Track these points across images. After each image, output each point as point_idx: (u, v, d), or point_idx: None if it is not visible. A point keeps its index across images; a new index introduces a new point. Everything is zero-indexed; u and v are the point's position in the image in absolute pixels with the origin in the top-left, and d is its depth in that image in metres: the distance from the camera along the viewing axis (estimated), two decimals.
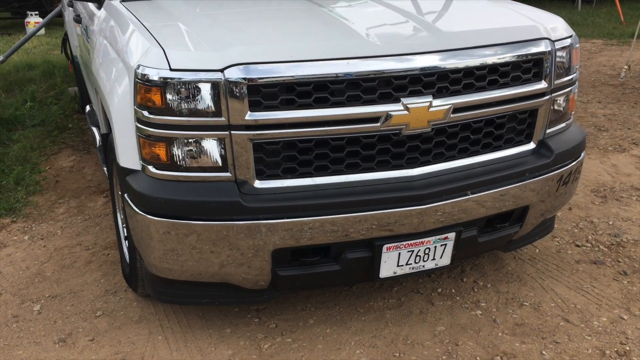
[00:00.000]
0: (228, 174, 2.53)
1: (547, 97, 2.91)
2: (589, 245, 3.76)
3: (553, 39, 2.89)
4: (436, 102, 2.61)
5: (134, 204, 2.62)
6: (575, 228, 4.00)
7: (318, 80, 2.46)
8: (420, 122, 2.59)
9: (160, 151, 2.53)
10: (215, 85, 2.41)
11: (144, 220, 2.58)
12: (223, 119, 2.44)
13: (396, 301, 3.23)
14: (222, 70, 2.41)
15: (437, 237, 2.76)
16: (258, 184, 2.56)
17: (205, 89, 2.42)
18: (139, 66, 2.50)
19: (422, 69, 2.56)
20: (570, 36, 3.03)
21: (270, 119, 2.47)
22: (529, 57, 2.80)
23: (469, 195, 2.75)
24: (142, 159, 2.59)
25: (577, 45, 3.08)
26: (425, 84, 2.58)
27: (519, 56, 2.77)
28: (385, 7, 3.11)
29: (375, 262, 2.71)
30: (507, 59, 2.75)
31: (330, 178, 2.63)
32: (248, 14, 3.14)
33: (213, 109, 2.44)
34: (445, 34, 2.70)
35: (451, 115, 2.65)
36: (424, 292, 3.30)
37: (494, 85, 2.74)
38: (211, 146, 2.50)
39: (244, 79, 2.40)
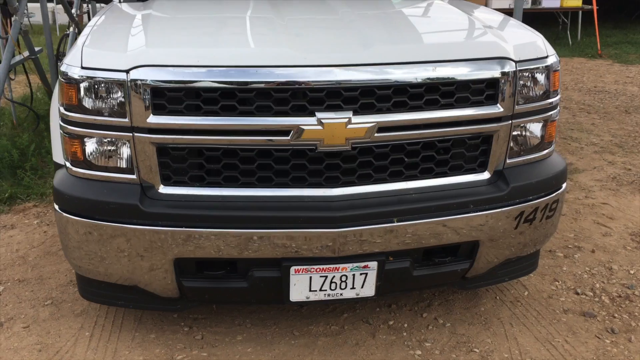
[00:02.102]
0: (133, 177, 2.62)
1: (504, 123, 2.73)
2: (591, 294, 3.47)
3: (516, 58, 2.71)
4: (357, 119, 2.53)
5: (54, 199, 2.77)
6: (587, 273, 3.69)
7: (224, 87, 2.48)
8: (336, 139, 2.54)
9: (76, 148, 2.67)
10: (120, 86, 2.50)
11: (59, 216, 2.73)
12: (127, 120, 2.53)
13: (339, 328, 3.17)
14: (127, 71, 2.50)
15: (355, 264, 2.69)
16: (163, 189, 2.63)
17: (111, 89, 2.53)
18: (63, 64, 2.65)
19: (340, 82, 2.51)
20: (546, 57, 2.81)
21: (174, 123, 2.52)
22: (480, 77, 2.65)
23: (394, 222, 2.64)
24: (64, 155, 2.74)
25: (557, 68, 2.85)
26: (346, 98, 2.53)
27: (465, 75, 2.64)
28: (336, 18, 3.05)
29: (284, 283, 2.68)
30: (450, 78, 2.61)
31: (240, 190, 2.65)
32: (206, 19, 3.20)
33: (117, 109, 2.54)
34: (377, 47, 2.62)
35: (376, 135, 2.57)
36: (373, 323, 3.21)
37: (432, 105, 2.62)
38: (117, 147, 2.60)
39: (147, 81, 2.48)
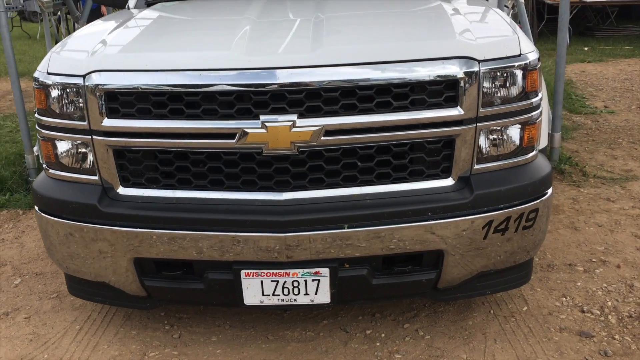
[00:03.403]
0: (95, 178, 2.75)
1: (467, 126, 2.62)
2: (598, 313, 3.25)
3: (480, 58, 2.59)
4: (303, 122, 2.53)
5: (33, 199, 2.96)
6: (602, 290, 3.46)
7: (171, 91, 2.55)
8: (281, 142, 2.55)
9: (48, 150, 2.85)
10: (78, 90, 2.65)
11: (37, 215, 2.91)
12: (85, 123, 2.66)
13: (313, 335, 3.16)
14: (84, 76, 2.63)
15: (306, 270, 2.68)
16: (122, 190, 2.75)
17: (70, 93, 2.68)
18: (37, 70, 2.83)
19: (283, 85, 2.51)
20: (518, 55, 2.66)
21: (127, 126, 2.64)
22: (436, 78, 2.56)
23: (345, 229, 2.61)
24: (42, 157, 2.92)
25: (535, 67, 2.70)
26: (290, 101, 2.53)
27: (419, 76, 2.55)
28: (307, 19, 3.04)
29: (236, 287, 2.72)
30: (402, 79, 2.54)
31: (193, 193, 2.71)
32: (181, 22, 3.30)
33: (78, 113, 2.68)
34: (326, 49, 2.59)
35: (323, 138, 2.55)
36: (350, 331, 3.18)
37: (384, 108, 2.56)
38: (80, 150, 2.75)
39: (101, 85, 2.61)
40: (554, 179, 5.15)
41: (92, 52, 2.73)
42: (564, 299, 3.40)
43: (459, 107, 2.59)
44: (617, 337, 3.05)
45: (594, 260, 3.80)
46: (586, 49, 11.93)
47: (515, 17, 6.05)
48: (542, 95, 2.94)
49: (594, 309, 3.29)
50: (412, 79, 2.54)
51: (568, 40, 12.41)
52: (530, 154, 2.82)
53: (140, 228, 2.68)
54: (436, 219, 2.65)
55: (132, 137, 2.65)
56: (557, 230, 4.22)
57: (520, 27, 6.18)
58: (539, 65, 2.75)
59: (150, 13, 3.57)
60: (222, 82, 2.53)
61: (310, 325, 3.25)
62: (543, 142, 2.99)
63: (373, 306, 3.38)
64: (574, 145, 6.06)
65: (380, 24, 3.03)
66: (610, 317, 3.21)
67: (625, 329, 3.11)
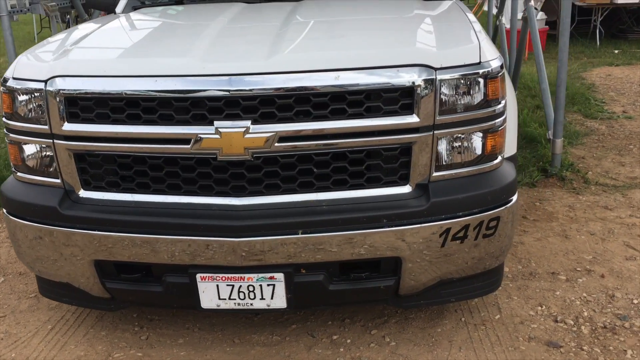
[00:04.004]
0: (58, 181, 2.83)
1: (423, 134, 2.64)
2: (571, 323, 3.23)
3: (437, 65, 2.61)
4: (257, 128, 2.58)
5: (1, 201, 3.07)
6: (580, 299, 3.44)
7: (127, 96, 2.63)
8: (235, 148, 2.60)
9: (15, 154, 2.94)
10: (40, 95, 2.74)
11: (4, 215, 3.01)
12: (46, 127, 2.75)
13: (280, 339, 3.21)
14: (46, 81, 2.72)
15: (261, 275, 2.73)
16: (83, 193, 2.83)
17: (33, 98, 2.77)
18: (4, 75, 2.94)
19: (237, 91, 2.56)
20: (478, 63, 2.67)
21: (86, 131, 2.72)
22: (391, 85, 2.58)
23: (299, 234, 2.65)
24: (10, 160, 3.02)
25: (497, 74, 2.70)
26: (244, 108, 2.58)
27: (374, 84, 2.58)
28: (275, 25, 3.08)
29: (193, 290, 2.77)
30: (357, 86, 2.57)
31: (151, 197, 2.78)
32: (150, 28, 3.38)
33: (39, 117, 2.77)
34: (281, 56, 2.64)
35: (276, 145, 2.59)
36: (317, 336, 3.22)
37: (339, 115, 2.60)
38: (43, 153, 2.84)
39: (62, 90, 2.69)
40: (554, 185, 5.12)
41: (55, 58, 2.82)
42: (540, 308, 3.38)
43: (415, 115, 2.61)
44: (585, 348, 3.03)
45: (578, 269, 3.77)
46: (616, 51, 11.72)
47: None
48: (510, 102, 2.95)
49: (568, 319, 3.27)
50: (367, 86, 2.57)
51: (598, 43, 12.26)
52: (494, 162, 2.82)
53: (99, 231, 2.75)
54: (392, 226, 2.67)
55: (92, 142, 2.72)
56: (546, 238, 4.19)
57: (530, 32, 6.15)
58: (501, 73, 2.75)
59: (128, 18, 3.66)
60: (177, 88, 2.59)
61: (278, 330, 3.29)
62: (511, 150, 2.98)
63: (344, 311, 3.41)
64: (583, 151, 5.99)
65: (345, 31, 3.05)
66: (583, 327, 3.19)
67: (596, 340, 3.09)
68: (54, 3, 6.07)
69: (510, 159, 2.98)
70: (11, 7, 5.86)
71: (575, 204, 4.73)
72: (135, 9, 4.09)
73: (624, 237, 4.15)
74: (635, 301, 3.41)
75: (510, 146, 2.98)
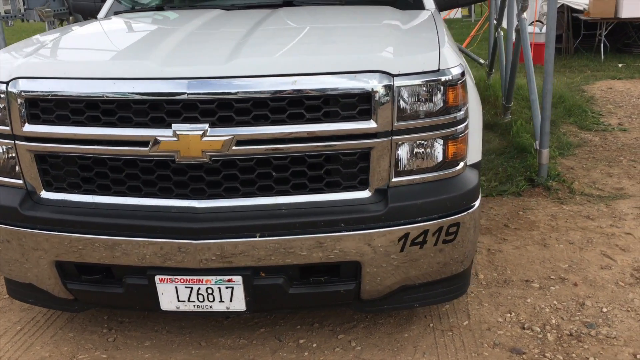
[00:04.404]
0: (20, 182, 2.85)
1: (382, 139, 2.64)
2: (537, 330, 3.20)
3: (395, 72, 2.61)
4: (214, 131, 2.59)
5: None
6: (550, 307, 3.41)
7: (88, 98, 2.65)
8: (192, 151, 2.60)
9: None
10: (1, 96, 2.75)
11: None
12: (8, 128, 2.77)
13: (246, 342, 3.21)
14: (7, 82, 2.74)
15: (219, 278, 2.73)
16: (44, 194, 2.84)
17: None
18: None
19: (194, 95, 2.57)
20: (437, 70, 2.66)
21: (47, 132, 2.73)
22: (348, 91, 2.58)
23: (256, 237, 2.65)
24: None
25: (457, 82, 2.70)
26: (202, 111, 2.59)
27: (331, 89, 2.58)
28: (241, 31, 3.08)
29: (152, 292, 2.78)
30: (314, 91, 2.57)
31: (112, 198, 2.79)
32: (120, 31, 3.41)
33: (1, 118, 2.78)
34: (239, 60, 2.64)
35: (234, 148, 2.60)
36: (284, 340, 3.21)
37: (296, 119, 2.60)
38: (4, 154, 2.85)
39: (23, 91, 2.71)
40: (540, 195, 5.09)
41: (18, 59, 2.84)
42: (509, 314, 3.36)
43: (372, 121, 2.61)
44: (548, 355, 3.00)
45: (552, 277, 3.74)
46: (620, 65, 11.67)
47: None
48: (474, 110, 2.94)
49: (536, 326, 3.24)
50: (324, 91, 2.57)
51: (602, 56, 12.21)
52: (455, 168, 2.80)
53: (59, 232, 2.76)
54: (350, 231, 2.66)
55: (52, 143, 2.73)
56: (525, 246, 4.16)
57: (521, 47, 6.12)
58: (462, 81, 2.74)
59: (104, 23, 3.69)
60: (135, 90, 2.60)
61: (246, 333, 3.29)
62: (475, 157, 2.96)
63: (314, 315, 3.40)
64: (573, 161, 5.96)
65: (309, 37, 3.05)
66: (549, 335, 3.16)
67: (560, 348, 3.06)
68: (49, 9, 6.13)
69: (475, 166, 2.96)
70: (5, 13, 5.91)
71: (558, 213, 4.69)
72: (117, 14, 4.13)
73: (602, 246, 4.12)
74: (604, 309, 3.37)
75: (475, 153, 2.96)
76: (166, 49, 2.84)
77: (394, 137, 2.66)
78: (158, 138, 2.61)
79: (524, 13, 6.15)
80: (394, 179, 2.72)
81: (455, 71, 2.72)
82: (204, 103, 2.58)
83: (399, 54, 2.70)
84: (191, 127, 2.59)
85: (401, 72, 2.62)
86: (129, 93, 2.61)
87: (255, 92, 2.57)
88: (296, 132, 2.60)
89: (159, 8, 4.15)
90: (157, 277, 2.75)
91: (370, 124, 2.61)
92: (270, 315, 3.41)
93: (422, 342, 3.15)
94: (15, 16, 6.13)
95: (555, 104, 8.18)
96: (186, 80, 2.58)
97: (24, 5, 6.38)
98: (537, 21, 12.25)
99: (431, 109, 2.68)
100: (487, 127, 7.16)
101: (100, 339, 3.28)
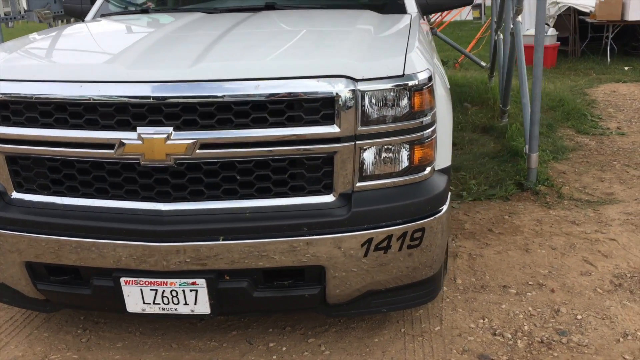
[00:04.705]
0: None
1: (345, 144, 2.63)
2: (508, 336, 3.18)
3: (359, 77, 2.60)
4: (179, 135, 2.59)
5: None
6: (524, 313, 3.39)
7: (56, 101, 2.67)
8: (157, 154, 2.61)
9: None
10: None
11: None
12: None
13: (217, 345, 3.21)
14: None
15: (183, 280, 2.74)
16: (15, 195, 2.86)
17: None
18: None
19: (158, 98, 2.58)
20: (402, 75, 2.66)
21: (17, 134, 2.75)
22: (311, 96, 2.58)
23: (220, 241, 2.66)
24: None
25: (423, 87, 2.68)
26: (167, 114, 2.60)
27: (294, 94, 2.58)
28: (216, 33, 3.09)
29: (118, 294, 2.79)
30: (276, 96, 2.58)
31: (79, 200, 2.80)
32: (101, 34, 3.43)
33: None
34: (204, 64, 2.65)
35: (198, 151, 2.61)
36: (254, 343, 3.22)
37: (260, 123, 2.60)
38: None
39: None
40: (528, 199, 5.06)
41: None
42: (482, 320, 3.34)
43: (335, 125, 2.60)
44: None
45: (530, 283, 3.72)
46: (626, 68, 11.57)
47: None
48: (443, 114, 2.93)
49: (507, 332, 3.22)
50: (287, 95, 2.57)
51: (608, 59, 12.12)
52: (421, 173, 2.80)
53: (28, 233, 2.78)
54: (313, 235, 2.66)
55: (23, 145, 2.76)
56: (507, 251, 4.14)
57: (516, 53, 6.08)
58: (429, 85, 2.73)
59: (86, 26, 3.71)
60: (101, 93, 2.62)
61: (218, 336, 3.29)
62: (444, 162, 2.95)
63: (287, 319, 3.40)
64: (566, 166, 5.92)
65: (278, 41, 3.05)
66: (519, 341, 3.14)
67: (529, 355, 3.04)
68: (48, 11, 6.18)
69: (444, 170, 2.95)
70: (5, 14, 5.97)
71: (544, 218, 4.66)
72: (104, 16, 4.16)
73: (584, 252, 4.09)
74: (579, 317, 3.35)
75: (444, 158, 2.96)
76: (136, 52, 2.85)
77: (357, 142, 2.65)
78: (123, 141, 2.62)
79: (519, 16, 6.11)
80: (359, 184, 2.71)
81: (422, 76, 2.71)
82: (168, 106, 2.59)
83: (364, 59, 2.70)
84: (155, 131, 2.60)
85: (365, 77, 2.62)
86: (95, 96, 2.62)
87: (219, 96, 2.58)
88: (259, 136, 2.61)
89: (144, 11, 4.17)
90: (122, 279, 2.76)
91: (334, 129, 2.61)
92: (243, 318, 3.41)
93: (392, 347, 3.14)
94: (15, 18, 6.19)
95: (555, 107, 8.15)
96: (151, 84, 2.60)
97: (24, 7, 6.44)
98: None
99: (396, 113, 2.67)
100: (484, 130, 7.14)
101: (74, 340, 3.30)
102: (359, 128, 2.63)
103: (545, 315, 3.38)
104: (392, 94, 2.65)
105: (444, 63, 8.33)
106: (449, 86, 3.33)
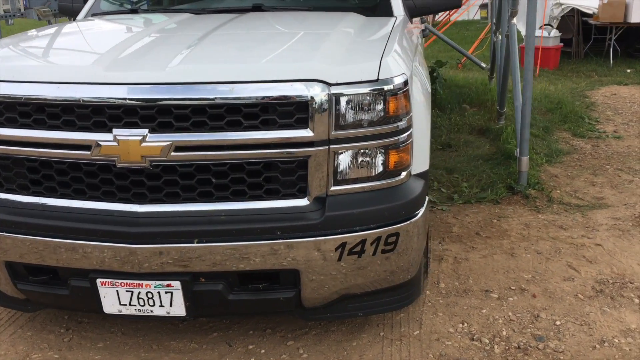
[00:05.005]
0: None
1: (319, 148, 2.64)
2: (486, 342, 3.18)
3: (333, 81, 2.61)
4: (153, 137, 2.61)
5: None
6: (504, 318, 3.39)
7: (33, 102, 2.68)
8: (132, 156, 2.63)
9: None
10: None
11: None
12: None
13: (197, 347, 3.23)
14: None
15: (159, 282, 2.75)
16: None
17: None
18: None
19: (134, 100, 2.59)
20: (376, 80, 2.66)
21: None
22: (285, 99, 2.59)
23: (194, 243, 2.66)
24: None
25: (397, 92, 2.69)
26: (143, 117, 2.61)
27: (268, 98, 2.59)
28: (198, 35, 3.10)
29: (95, 295, 2.80)
30: (250, 99, 2.59)
31: (59, 201, 2.82)
32: (89, 34, 3.45)
33: None
34: (179, 67, 2.66)
35: (173, 154, 2.62)
36: (233, 345, 3.23)
37: (234, 126, 2.61)
38: None
39: None
40: (517, 203, 5.05)
41: None
42: (461, 325, 3.34)
43: (309, 129, 2.61)
44: None
45: (513, 287, 3.71)
46: (629, 70, 11.51)
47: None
48: (420, 119, 2.93)
49: (485, 337, 3.22)
50: (261, 99, 2.58)
51: (611, 61, 12.05)
52: (396, 178, 2.80)
53: (7, 232, 2.80)
54: (286, 238, 2.67)
55: (2, 145, 2.77)
56: (492, 255, 4.13)
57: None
58: (404, 90, 2.73)
59: (73, 26, 3.73)
60: (77, 95, 2.63)
61: (198, 337, 3.30)
62: (421, 166, 2.95)
63: (268, 321, 3.41)
64: (559, 169, 5.89)
65: (257, 43, 3.07)
66: (496, 347, 3.14)
67: None
68: (47, 8, 6.22)
69: (421, 175, 2.95)
70: (4, 12, 6.01)
71: (532, 222, 4.65)
72: (95, 15, 4.18)
73: (569, 257, 4.08)
74: (558, 322, 3.34)
75: (421, 162, 2.96)
76: (116, 53, 2.86)
77: (331, 146, 2.66)
78: (99, 142, 2.64)
79: (514, 18, 6.08)
80: (333, 188, 2.72)
81: (397, 81, 2.71)
82: (143, 109, 2.60)
83: (338, 63, 2.70)
84: (131, 133, 2.61)
85: (339, 81, 2.63)
86: (71, 97, 2.64)
87: (193, 99, 2.59)
88: (234, 140, 2.62)
89: (133, 11, 4.18)
90: (98, 280, 2.77)
91: (307, 133, 2.62)
92: (225, 320, 3.42)
93: (369, 351, 3.14)
94: (14, 15, 6.23)
95: (553, 109, 8.11)
96: (126, 86, 2.61)
97: (24, 4, 6.48)
98: (546, 25, 12.13)
99: (370, 118, 2.68)
100: (480, 132, 7.12)
101: (57, 339, 3.32)
102: (333, 132, 2.64)
103: (525, 320, 3.37)
104: (366, 98, 2.65)
105: (442, 64, 8.31)
106: (429, 90, 3.33)
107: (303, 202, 2.73)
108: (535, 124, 7.21)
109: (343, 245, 2.70)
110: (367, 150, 2.72)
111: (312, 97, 2.58)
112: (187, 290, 2.75)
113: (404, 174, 2.82)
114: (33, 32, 3.60)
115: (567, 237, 4.37)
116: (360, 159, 2.73)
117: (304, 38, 3.17)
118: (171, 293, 2.76)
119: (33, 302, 3.08)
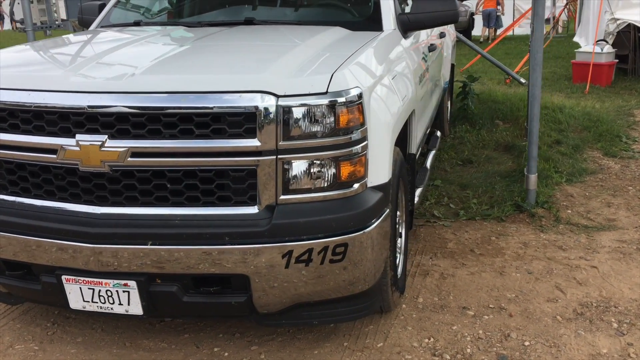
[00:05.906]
0: None
1: (266, 157, 2.70)
2: (448, 358, 3.16)
3: (281, 93, 2.67)
4: (112, 143, 2.73)
5: None
6: (472, 336, 3.35)
7: (8, 107, 2.86)
8: (93, 160, 2.76)
9: None
10: None
11: None
12: None
13: (166, 346, 3.33)
14: None
15: (116, 281, 2.86)
16: None
17: None
18: None
19: (93, 107, 2.73)
20: (325, 92, 2.71)
21: None
22: (234, 110, 2.67)
23: (148, 245, 2.77)
24: None
25: (349, 104, 2.73)
26: (103, 123, 2.74)
27: (218, 107, 2.67)
28: (184, 47, 3.22)
29: (61, 291, 2.94)
30: (200, 109, 2.68)
31: (31, 200, 2.98)
32: (85, 44, 3.62)
33: None
34: (138, 77, 2.78)
35: (129, 159, 2.74)
36: (201, 347, 3.31)
37: (186, 135, 2.71)
38: None
39: None
40: (523, 222, 4.95)
41: None
42: (427, 340, 3.31)
43: (257, 139, 2.68)
44: None
45: (491, 306, 3.65)
46: None
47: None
48: (380, 131, 2.95)
49: (447, 354, 3.19)
50: (211, 109, 2.67)
51: None
52: (349, 189, 2.82)
53: None
54: (234, 244, 2.73)
55: None
56: (481, 272, 4.08)
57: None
58: (357, 103, 2.76)
59: (74, 36, 3.93)
60: (44, 102, 2.79)
61: (170, 337, 3.40)
62: (380, 178, 2.96)
63: (239, 325, 3.47)
64: (577, 189, 5.74)
65: (221, 55, 3.17)
66: None
67: None
68: None
69: (380, 187, 2.96)
70: (42, 23, 6.36)
71: (531, 241, 4.55)
72: (103, 27, 4.39)
73: (560, 278, 3.97)
74: (526, 343, 3.27)
75: (380, 174, 2.97)
76: (90, 62, 3.02)
77: (280, 156, 2.71)
78: (64, 146, 2.78)
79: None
80: (283, 197, 2.77)
81: (351, 93, 2.75)
82: (103, 116, 2.73)
83: (290, 75, 2.76)
84: (91, 138, 2.75)
85: (287, 93, 2.69)
86: (40, 104, 2.80)
87: (148, 108, 2.70)
88: (187, 147, 2.71)
89: (136, 23, 4.35)
90: (63, 277, 2.90)
91: (255, 142, 2.68)
92: (198, 322, 3.51)
93: None
94: (51, 27, 6.58)
95: (589, 127, 7.88)
96: (88, 94, 2.75)
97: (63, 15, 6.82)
98: (599, 41, 11.81)
99: (320, 130, 2.72)
100: (505, 148, 7.00)
101: (42, 332, 3.48)
102: (281, 142, 2.69)
103: (493, 339, 3.32)
104: (315, 110, 2.70)
105: (474, 79, 8.22)
106: (401, 104, 3.33)
107: (253, 209, 2.79)
108: (565, 141, 7.06)
109: (290, 253, 2.75)
110: (317, 161, 2.76)
111: (259, 108, 2.65)
112: (143, 290, 2.85)
113: (356, 185, 2.84)
114: (34, 42, 3.81)
115: (563, 258, 4.26)
116: (311, 169, 2.77)
117: (267, 49, 3.25)
118: (128, 292, 2.87)
119: (14, 295, 3.25)
